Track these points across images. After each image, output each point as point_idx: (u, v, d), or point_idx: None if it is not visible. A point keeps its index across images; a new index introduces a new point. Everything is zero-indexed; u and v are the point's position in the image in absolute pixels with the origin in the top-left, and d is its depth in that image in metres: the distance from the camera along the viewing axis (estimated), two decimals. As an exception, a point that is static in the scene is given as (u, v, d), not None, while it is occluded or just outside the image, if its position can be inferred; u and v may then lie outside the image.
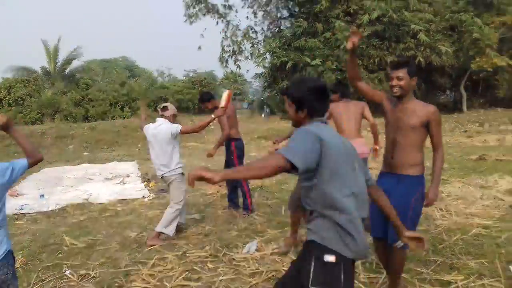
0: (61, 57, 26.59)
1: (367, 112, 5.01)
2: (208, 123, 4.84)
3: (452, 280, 3.41)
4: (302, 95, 2.04)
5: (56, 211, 6.59)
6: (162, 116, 4.89)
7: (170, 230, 4.83)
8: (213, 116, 4.82)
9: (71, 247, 4.79)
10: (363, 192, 2.05)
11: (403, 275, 3.40)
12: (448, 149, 11.57)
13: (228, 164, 5.81)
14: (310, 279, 1.94)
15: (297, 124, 2.11)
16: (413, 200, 2.95)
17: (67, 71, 27.29)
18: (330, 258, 1.93)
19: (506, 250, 3.96)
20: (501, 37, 21.62)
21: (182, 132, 4.75)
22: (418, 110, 2.93)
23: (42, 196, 7.31)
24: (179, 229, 5.08)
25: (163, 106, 4.96)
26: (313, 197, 1.95)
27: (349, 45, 2.95)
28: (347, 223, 1.92)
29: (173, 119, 4.89)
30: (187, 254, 4.42)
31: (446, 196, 6.09)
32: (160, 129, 4.77)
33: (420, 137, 2.97)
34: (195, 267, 4.06)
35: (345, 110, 4.89)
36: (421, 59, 19.66)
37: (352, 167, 2.01)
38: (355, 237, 1.93)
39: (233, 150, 5.75)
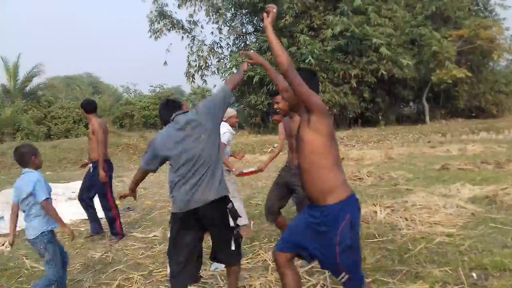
0: (22, 74, 25.88)
1: None
2: None
3: (418, 289, 3.44)
4: None
5: (16, 233, 6.29)
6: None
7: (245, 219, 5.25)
8: None
9: (32, 270, 4.60)
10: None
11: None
12: (412, 159, 11.84)
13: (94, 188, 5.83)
14: None
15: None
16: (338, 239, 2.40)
17: (27, 88, 26.52)
18: None
19: (469, 257, 4.04)
20: (459, 50, 22.50)
21: None
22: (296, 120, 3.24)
23: (1, 218, 6.99)
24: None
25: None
26: None
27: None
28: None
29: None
30: (153, 274, 4.30)
31: (411, 205, 6.20)
32: None
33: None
34: (161, 287, 3.96)
35: None
36: (384, 72, 20.18)
37: None
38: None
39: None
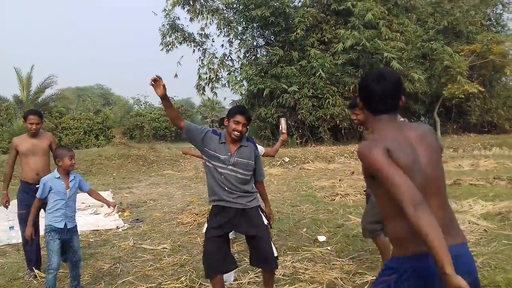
0: (34, 85, 26.22)
1: None
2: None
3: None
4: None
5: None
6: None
7: None
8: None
9: (42, 281, 4.58)
10: None
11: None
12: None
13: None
14: None
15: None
16: None
17: (40, 99, 26.84)
18: None
19: (482, 275, 3.96)
20: (471, 64, 22.37)
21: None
22: None
23: (11, 227, 7.01)
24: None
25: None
26: None
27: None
28: None
29: None
30: (162, 286, 4.27)
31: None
32: None
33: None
34: (170, 300, 3.92)
35: None
36: (395, 86, 20.11)
37: None
38: None
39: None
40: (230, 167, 3.48)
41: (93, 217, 7.89)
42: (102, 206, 8.92)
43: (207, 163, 3.53)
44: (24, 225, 4.54)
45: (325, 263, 4.67)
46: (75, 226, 4.21)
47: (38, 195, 4.05)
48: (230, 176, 3.47)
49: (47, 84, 26.40)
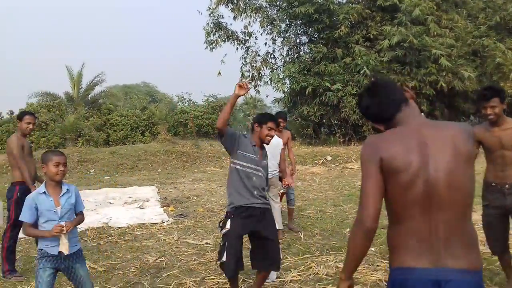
0: (84, 83, 27.21)
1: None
2: None
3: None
4: None
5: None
6: None
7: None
8: None
9: (90, 271, 4.74)
10: None
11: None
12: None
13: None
14: None
15: None
16: None
17: (89, 96, 27.85)
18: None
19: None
20: (525, 62, 21.30)
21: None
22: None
23: (62, 219, 7.32)
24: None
25: None
26: None
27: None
28: None
29: None
30: (206, 280, 4.33)
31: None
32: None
33: None
34: (213, 294, 3.97)
35: None
36: (443, 84, 19.42)
37: None
38: None
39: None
40: (259, 168, 3.69)
41: (139, 211, 8.11)
42: (147, 201, 9.18)
43: (237, 166, 3.65)
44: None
45: (369, 264, 4.58)
46: (79, 251, 3.27)
47: (24, 218, 3.10)
48: (258, 178, 3.66)
49: (96, 82, 27.34)
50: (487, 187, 3.57)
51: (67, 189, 3.22)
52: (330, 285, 4.08)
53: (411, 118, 1.81)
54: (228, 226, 3.55)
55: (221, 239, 3.68)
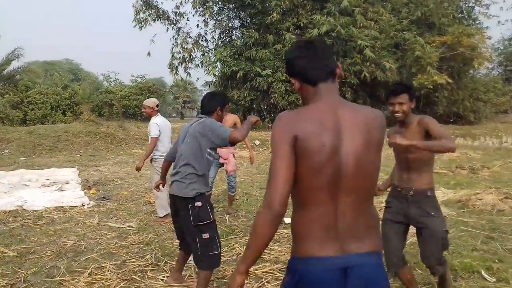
0: (-1, 57, 25.19)
1: None
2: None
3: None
4: None
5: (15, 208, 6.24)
6: None
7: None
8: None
9: (1, 256, 4.48)
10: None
11: None
12: (388, 162, 11.96)
13: None
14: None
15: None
16: None
17: (5, 72, 25.84)
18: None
19: (441, 258, 4.10)
20: (441, 56, 22.83)
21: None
22: None
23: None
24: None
25: None
26: None
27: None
28: None
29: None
30: (126, 263, 4.25)
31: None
32: None
33: None
34: (134, 277, 3.91)
35: None
36: (367, 74, 20.35)
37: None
38: None
39: None
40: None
41: (57, 194, 7.73)
42: (67, 183, 8.77)
43: (209, 157, 3.40)
44: None
45: (290, 244, 4.73)
46: None
47: None
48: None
49: (13, 57, 25.38)
50: (392, 190, 3.37)
51: None
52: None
53: (330, 96, 1.69)
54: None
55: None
